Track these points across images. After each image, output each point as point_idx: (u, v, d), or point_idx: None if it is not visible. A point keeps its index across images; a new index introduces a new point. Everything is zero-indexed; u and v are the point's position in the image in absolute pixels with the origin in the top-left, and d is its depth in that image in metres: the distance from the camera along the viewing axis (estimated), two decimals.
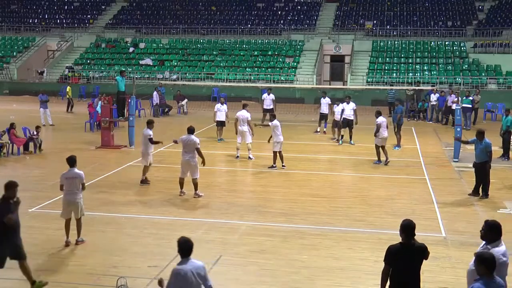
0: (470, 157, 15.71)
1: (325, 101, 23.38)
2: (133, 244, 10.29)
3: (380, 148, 17.43)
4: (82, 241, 10.35)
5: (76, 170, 10.43)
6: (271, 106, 24.25)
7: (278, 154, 16.47)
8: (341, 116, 20.96)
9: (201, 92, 36.28)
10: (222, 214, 12.22)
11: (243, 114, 18.15)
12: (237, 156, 17.79)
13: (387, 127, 17.67)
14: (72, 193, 10.20)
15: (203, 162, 13.31)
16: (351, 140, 20.87)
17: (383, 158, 17.45)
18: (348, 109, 20.88)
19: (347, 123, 20.96)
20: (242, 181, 14.31)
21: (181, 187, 13.47)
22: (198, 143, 13.19)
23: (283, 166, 16.60)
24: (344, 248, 10.22)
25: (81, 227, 10.36)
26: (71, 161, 10.54)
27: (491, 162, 13.75)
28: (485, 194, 13.69)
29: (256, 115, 24.28)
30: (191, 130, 13.32)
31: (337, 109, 21.15)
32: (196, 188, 13.31)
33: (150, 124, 14.71)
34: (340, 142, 21.08)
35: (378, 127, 17.28)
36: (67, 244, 10.25)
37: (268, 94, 24.57)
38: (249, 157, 17.69)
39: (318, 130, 23.62)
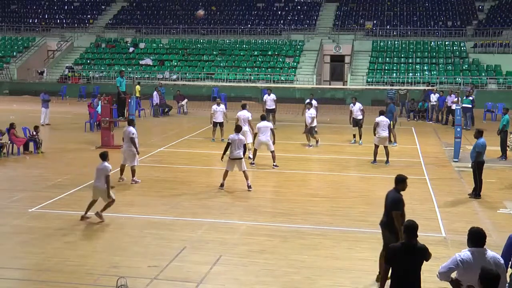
0: (469, 157, 15.68)
1: (313, 103, 23.43)
2: (133, 244, 10.30)
3: (384, 148, 17.43)
4: (100, 217, 11.45)
5: (105, 163, 11.69)
6: (273, 106, 24.35)
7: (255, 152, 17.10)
8: (350, 116, 21.47)
9: (201, 92, 36.29)
10: (222, 214, 12.22)
11: (244, 114, 18.18)
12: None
13: (388, 127, 17.64)
14: (98, 181, 11.66)
15: (137, 151, 14.93)
16: (360, 139, 20.96)
17: (380, 158, 17.46)
18: (355, 110, 21.31)
19: (356, 123, 21.25)
20: (242, 181, 14.30)
21: (121, 173, 15.01)
22: (133, 133, 14.77)
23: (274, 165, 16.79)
24: (344, 248, 10.22)
25: (108, 208, 11.58)
26: (103, 156, 11.84)
27: (477, 161, 13.59)
28: (474, 194, 13.65)
29: (256, 115, 24.27)
30: (129, 122, 15.28)
31: (308, 113, 20.47)
32: (133, 175, 14.80)
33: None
34: (353, 141, 21.33)
35: (375, 125, 17.41)
36: (82, 218, 11.52)
37: (269, 95, 24.59)
38: (249, 157, 17.70)
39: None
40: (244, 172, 14.11)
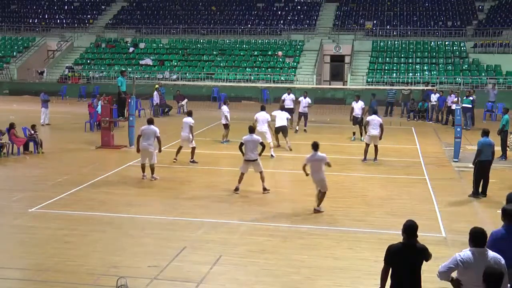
0: (470, 157, 15.70)
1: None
2: (133, 244, 10.30)
3: (374, 147, 17.58)
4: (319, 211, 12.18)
5: (320, 153, 12.25)
6: (291, 106, 24.32)
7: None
8: (351, 113, 21.91)
9: (201, 92, 36.27)
10: (222, 214, 12.21)
11: (263, 115, 18.42)
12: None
13: (381, 126, 17.62)
14: (318, 173, 12.12)
15: (159, 150, 15.32)
16: (361, 137, 21.08)
17: (371, 156, 17.61)
18: (356, 108, 21.65)
19: (356, 121, 21.58)
20: (242, 181, 14.28)
21: (143, 171, 15.10)
22: (158, 132, 15.14)
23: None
24: (344, 248, 10.22)
25: (322, 199, 12.25)
26: (316, 146, 12.39)
27: (478, 159, 13.67)
28: (472, 192, 13.72)
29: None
30: (150, 121, 15.36)
31: (274, 113, 19.81)
32: (152, 172, 15.00)
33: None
34: (353, 138, 21.63)
35: (366, 124, 17.80)
36: (315, 211, 12.24)
37: (288, 94, 24.60)
38: (271, 155, 17.79)
39: (297, 128, 24.01)
40: (260, 173, 13.85)
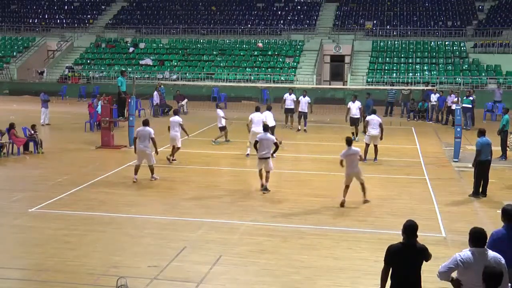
0: (470, 157, 15.71)
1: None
2: (133, 244, 10.30)
3: (373, 146, 17.58)
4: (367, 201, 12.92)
5: (353, 148, 12.78)
6: (292, 106, 24.41)
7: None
8: (347, 114, 21.91)
9: (201, 92, 36.26)
10: (222, 214, 12.21)
11: (258, 116, 18.42)
12: (247, 154, 17.85)
13: (380, 125, 17.61)
14: (354, 168, 12.72)
15: (156, 151, 15.06)
16: (356, 136, 21.09)
17: (371, 156, 17.57)
18: (354, 108, 21.64)
19: (354, 122, 21.53)
20: (242, 180, 14.30)
21: (136, 173, 14.86)
22: (153, 133, 14.92)
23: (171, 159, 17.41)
24: (344, 248, 10.22)
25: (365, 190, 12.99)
26: (348, 141, 12.85)
27: (477, 160, 13.69)
28: (472, 192, 13.76)
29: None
30: (146, 122, 15.14)
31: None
32: (152, 173, 14.94)
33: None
34: (353, 138, 21.41)
35: (366, 124, 17.92)
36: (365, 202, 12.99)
37: (290, 94, 24.62)
38: (272, 155, 17.85)
39: (299, 127, 24.06)
40: (267, 172, 13.96)
